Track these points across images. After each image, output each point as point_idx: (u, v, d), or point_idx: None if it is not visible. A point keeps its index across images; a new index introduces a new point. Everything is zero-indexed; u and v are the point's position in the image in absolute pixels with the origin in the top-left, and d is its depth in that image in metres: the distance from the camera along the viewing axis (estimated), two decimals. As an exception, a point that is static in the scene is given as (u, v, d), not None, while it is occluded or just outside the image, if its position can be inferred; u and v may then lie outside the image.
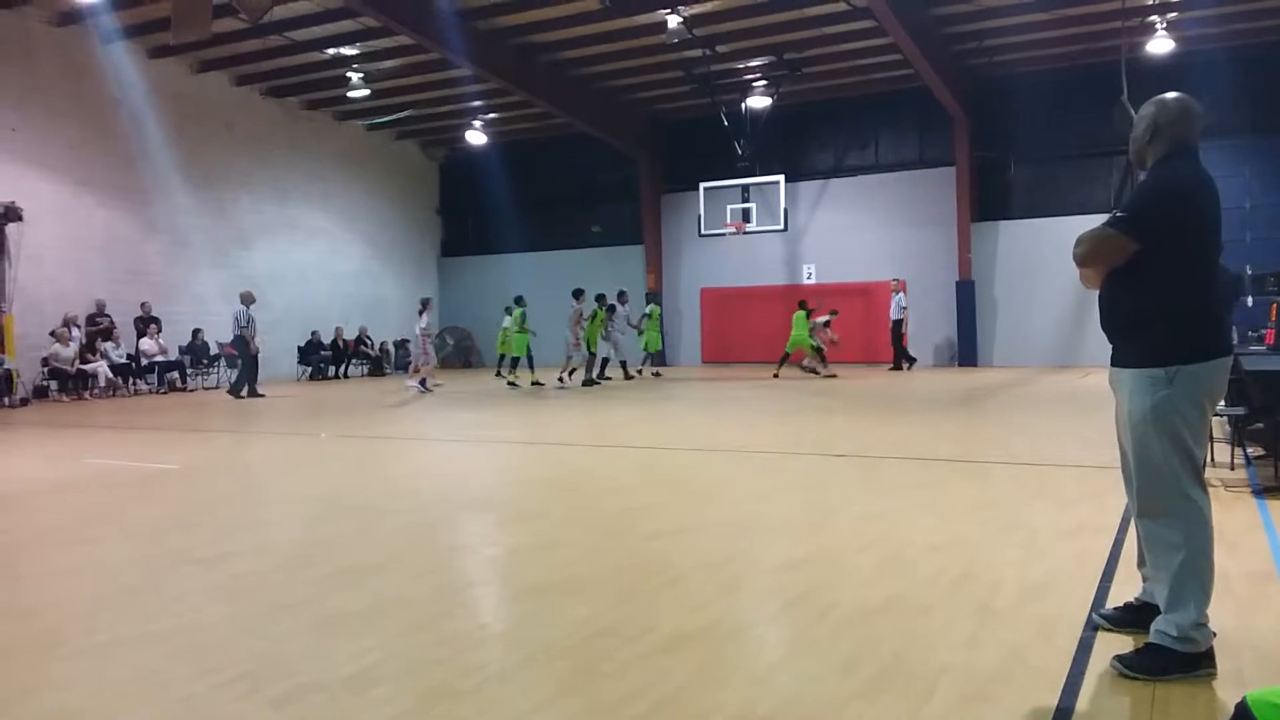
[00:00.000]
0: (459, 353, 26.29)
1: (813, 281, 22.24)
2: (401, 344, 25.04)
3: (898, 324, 20.07)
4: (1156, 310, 3.11)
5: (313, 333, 22.10)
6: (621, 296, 19.85)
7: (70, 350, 16.80)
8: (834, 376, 18.07)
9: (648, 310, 20.63)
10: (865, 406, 12.72)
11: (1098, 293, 3.31)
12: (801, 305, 18.99)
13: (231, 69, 20.33)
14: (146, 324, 18.45)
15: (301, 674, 3.19)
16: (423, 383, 16.91)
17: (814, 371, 18.59)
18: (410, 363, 17.38)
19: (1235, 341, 13.24)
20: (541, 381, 17.78)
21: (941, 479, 6.81)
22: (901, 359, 20.14)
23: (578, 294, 17.77)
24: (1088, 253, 3.22)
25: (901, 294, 20.02)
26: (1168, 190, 3.16)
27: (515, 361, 18.00)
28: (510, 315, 18.25)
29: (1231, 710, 2.13)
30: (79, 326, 17.40)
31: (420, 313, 17.31)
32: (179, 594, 4.25)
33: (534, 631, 3.64)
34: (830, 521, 5.47)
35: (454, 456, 9.05)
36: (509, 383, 17.86)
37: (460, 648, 3.44)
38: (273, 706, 2.93)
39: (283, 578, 4.51)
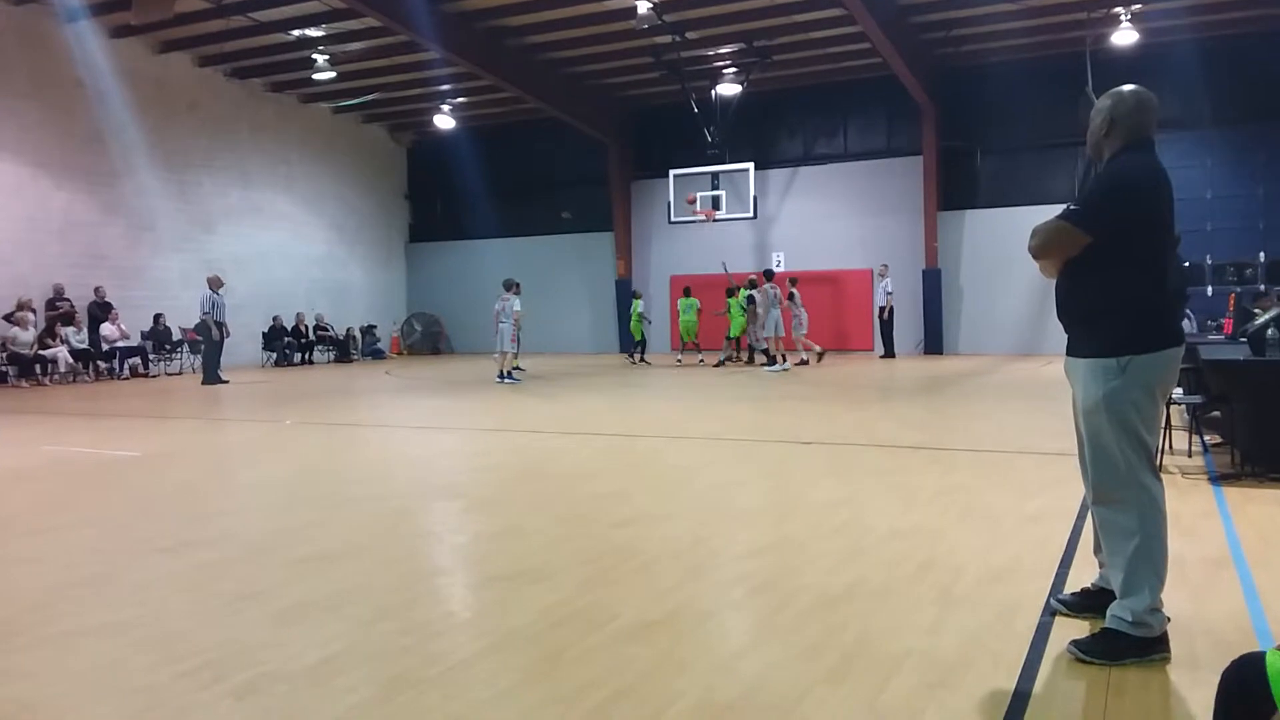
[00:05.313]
0: (427, 339, 26.13)
1: (782, 269, 22.30)
2: (368, 330, 24.85)
3: (883, 310, 20.18)
4: (1109, 301, 3.15)
5: (274, 318, 21.84)
6: (769, 275, 18.59)
7: (29, 334, 16.50)
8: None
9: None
10: (832, 394, 12.80)
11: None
12: (734, 290, 19.17)
13: (194, 49, 19.99)
14: (104, 310, 18.14)
15: (264, 663, 3.18)
16: (509, 375, 15.36)
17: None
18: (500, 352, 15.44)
19: (1195, 330, 13.49)
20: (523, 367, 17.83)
21: (905, 466, 6.88)
22: (892, 346, 20.22)
23: (794, 282, 18.09)
24: (1041, 244, 3.26)
25: (886, 280, 20.16)
26: (1121, 184, 3.19)
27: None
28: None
29: (1230, 666, 2.07)
30: (34, 311, 17.08)
31: (514, 296, 15.58)
32: (140, 583, 4.21)
33: (499, 619, 3.64)
34: (796, 508, 5.52)
35: (421, 444, 9.01)
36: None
37: (424, 636, 3.44)
38: (235, 696, 2.91)
39: (246, 566, 4.47)
